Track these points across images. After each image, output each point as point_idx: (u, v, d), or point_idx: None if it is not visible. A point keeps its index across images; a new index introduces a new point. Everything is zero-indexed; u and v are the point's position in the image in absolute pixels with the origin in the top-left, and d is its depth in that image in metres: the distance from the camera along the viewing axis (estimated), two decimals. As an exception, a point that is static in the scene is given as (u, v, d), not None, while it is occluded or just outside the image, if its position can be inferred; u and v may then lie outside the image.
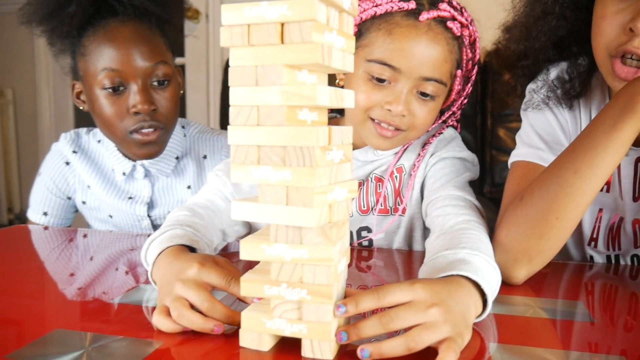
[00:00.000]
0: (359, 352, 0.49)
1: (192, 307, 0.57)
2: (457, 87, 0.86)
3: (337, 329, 0.51)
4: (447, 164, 0.88)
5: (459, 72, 0.85)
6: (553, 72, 0.85)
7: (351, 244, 0.94)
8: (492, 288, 0.59)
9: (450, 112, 0.92)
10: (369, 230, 0.93)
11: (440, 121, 0.92)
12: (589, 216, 0.89)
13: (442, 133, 0.92)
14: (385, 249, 0.94)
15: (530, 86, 0.88)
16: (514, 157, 0.85)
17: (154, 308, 0.62)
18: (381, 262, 0.88)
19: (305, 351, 0.51)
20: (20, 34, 2.83)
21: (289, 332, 0.51)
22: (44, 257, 0.92)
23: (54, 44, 1.05)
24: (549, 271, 0.80)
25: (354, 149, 0.91)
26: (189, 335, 0.56)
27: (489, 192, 2.07)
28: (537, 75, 0.87)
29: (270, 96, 0.48)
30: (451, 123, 0.93)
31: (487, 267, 0.61)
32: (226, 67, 2.30)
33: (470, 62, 0.86)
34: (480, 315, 0.58)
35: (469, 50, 0.85)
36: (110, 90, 0.98)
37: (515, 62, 0.87)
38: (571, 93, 0.82)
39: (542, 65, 0.86)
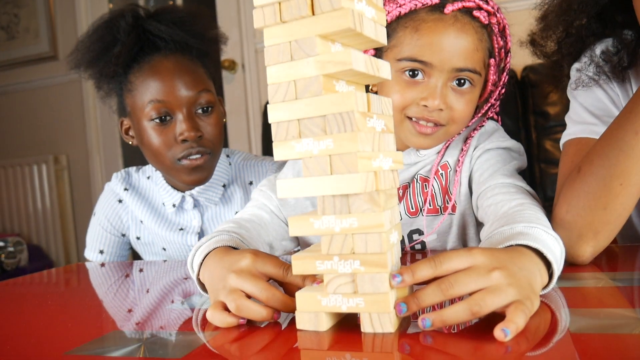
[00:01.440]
0: (420, 323, 0.47)
1: (249, 297, 0.56)
2: (492, 76, 0.85)
3: (396, 302, 0.49)
4: (492, 154, 0.86)
5: (492, 61, 0.84)
6: (598, 49, 0.83)
7: (403, 248, 0.91)
8: (555, 256, 0.55)
9: (489, 104, 0.90)
10: (420, 232, 0.91)
11: (480, 114, 0.91)
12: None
13: (483, 126, 0.90)
14: (440, 250, 0.91)
15: (575, 66, 0.85)
16: (565, 137, 0.82)
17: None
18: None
19: (365, 326, 0.49)
20: (71, 103, 3.03)
21: (346, 307, 0.49)
22: (102, 292, 0.93)
23: (101, 87, 1.10)
24: (617, 253, 0.76)
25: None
26: (245, 324, 0.54)
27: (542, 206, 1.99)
28: (582, 52, 0.85)
29: (305, 68, 0.48)
30: (491, 115, 0.91)
31: (548, 237, 0.58)
32: (264, 112, 2.37)
33: (503, 50, 0.85)
34: (547, 286, 0.55)
35: (499, 39, 0.84)
36: (157, 120, 1.02)
37: (556, 47, 0.85)
38: (621, 65, 0.79)
39: (586, 41, 0.83)
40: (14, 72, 3.15)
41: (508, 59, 0.86)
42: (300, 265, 0.50)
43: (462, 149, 0.88)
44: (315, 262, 0.50)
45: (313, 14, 0.48)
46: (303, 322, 0.51)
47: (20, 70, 3.13)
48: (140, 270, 1.04)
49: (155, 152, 1.03)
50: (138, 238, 1.20)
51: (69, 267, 1.16)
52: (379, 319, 0.48)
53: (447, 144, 0.90)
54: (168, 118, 1.02)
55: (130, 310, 0.68)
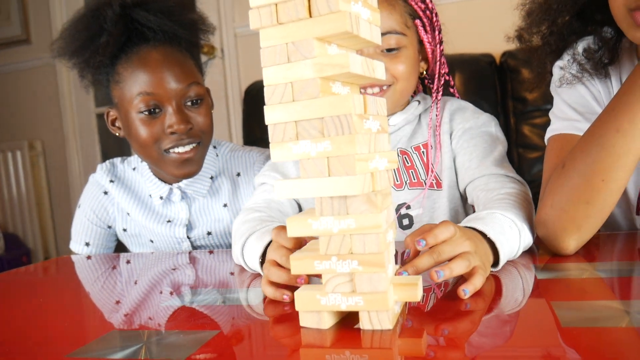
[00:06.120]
0: (434, 274, 0.56)
1: None
2: (423, 35, 0.92)
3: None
4: (477, 140, 0.91)
5: (417, 22, 0.92)
6: (580, 47, 0.85)
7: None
8: (499, 237, 0.64)
9: (436, 90, 0.96)
10: (407, 207, 0.94)
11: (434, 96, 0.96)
12: (634, 184, 0.86)
13: (440, 92, 0.96)
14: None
15: (558, 64, 0.87)
16: (549, 133, 0.84)
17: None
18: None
19: (364, 324, 0.50)
20: (45, 87, 2.96)
21: (345, 306, 0.50)
22: (88, 285, 0.93)
23: (84, 77, 1.08)
24: (599, 242, 0.78)
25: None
26: (246, 321, 0.55)
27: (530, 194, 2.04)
28: (564, 50, 0.87)
29: (303, 70, 0.49)
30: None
31: (502, 221, 0.67)
32: (244, 98, 2.35)
33: (427, 11, 0.92)
34: (495, 265, 0.65)
35: (420, 3, 0.92)
36: (146, 113, 1.01)
37: (541, 43, 0.87)
38: (602, 61, 0.81)
39: (568, 39, 0.85)
40: (-16, 56, 3.06)
41: (437, 19, 0.94)
42: (299, 265, 0.51)
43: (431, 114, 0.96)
44: (314, 262, 0.51)
45: (310, 16, 0.48)
46: (306, 320, 0.52)
47: (-9, 54, 3.05)
48: (128, 262, 1.04)
49: (143, 144, 1.02)
50: (125, 230, 1.19)
51: (55, 260, 1.15)
52: (378, 317, 0.50)
53: (419, 120, 0.97)
54: (157, 110, 1.01)
55: (125, 307, 0.68)
